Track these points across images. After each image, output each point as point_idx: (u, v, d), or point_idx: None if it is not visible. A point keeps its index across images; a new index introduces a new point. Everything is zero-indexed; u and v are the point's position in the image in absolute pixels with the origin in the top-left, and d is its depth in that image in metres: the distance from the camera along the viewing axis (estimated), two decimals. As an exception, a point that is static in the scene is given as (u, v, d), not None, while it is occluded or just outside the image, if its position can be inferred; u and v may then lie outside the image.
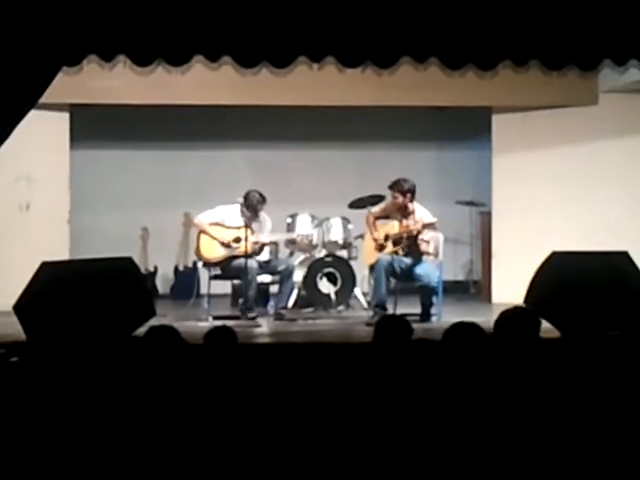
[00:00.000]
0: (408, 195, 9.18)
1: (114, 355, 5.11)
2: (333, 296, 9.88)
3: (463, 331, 4.81)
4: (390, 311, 9.14)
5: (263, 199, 9.46)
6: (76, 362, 5.08)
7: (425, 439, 4.19)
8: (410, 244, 9.14)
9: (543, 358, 4.85)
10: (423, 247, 9.15)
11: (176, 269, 12.02)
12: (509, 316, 4.87)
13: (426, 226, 9.06)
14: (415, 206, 9.25)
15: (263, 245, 9.45)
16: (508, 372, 4.57)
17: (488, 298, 11.24)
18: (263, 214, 9.59)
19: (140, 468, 4.06)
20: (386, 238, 9.37)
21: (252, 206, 9.42)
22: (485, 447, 4.15)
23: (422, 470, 4.08)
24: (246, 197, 9.45)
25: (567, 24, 7.60)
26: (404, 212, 9.24)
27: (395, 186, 9.24)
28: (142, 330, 6.49)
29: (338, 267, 9.97)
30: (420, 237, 9.09)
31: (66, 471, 4.03)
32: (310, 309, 10.13)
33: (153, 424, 4.24)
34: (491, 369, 4.60)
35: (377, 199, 10.01)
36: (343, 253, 10.39)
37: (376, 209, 9.74)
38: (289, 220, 10.28)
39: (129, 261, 7.65)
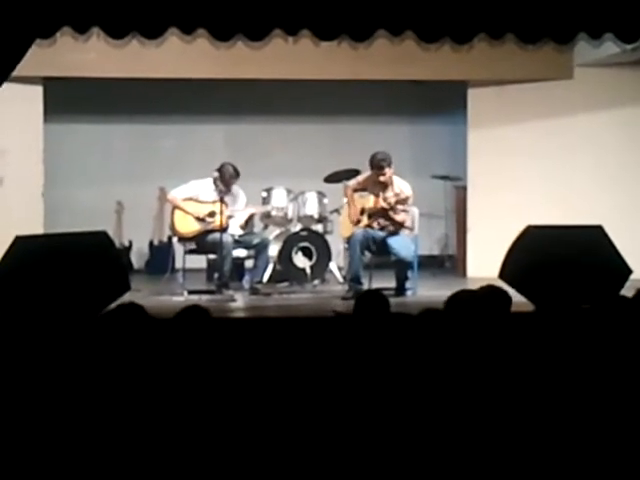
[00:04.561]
0: (392, 166, 9.15)
1: (84, 330, 5.08)
2: (308, 270, 9.88)
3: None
4: (365, 285, 9.15)
5: (237, 173, 9.44)
6: (47, 337, 5.05)
7: (401, 413, 4.20)
8: (385, 217, 9.13)
9: (517, 331, 4.87)
10: (400, 217, 9.13)
11: (151, 244, 12.00)
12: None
13: (399, 201, 9.06)
14: (393, 178, 9.23)
15: (229, 218, 9.40)
16: (480, 345, 4.59)
17: (463, 272, 11.27)
18: (236, 188, 9.57)
19: (104, 442, 4.05)
20: (362, 212, 9.37)
21: (226, 179, 9.39)
22: (460, 421, 4.17)
23: (398, 444, 4.10)
24: (220, 169, 9.41)
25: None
26: (384, 184, 9.18)
27: (385, 159, 9.11)
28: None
29: (313, 241, 9.96)
30: (400, 208, 9.07)
31: (33, 445, 4.01)
32: (285, 283, 10.11)
33: (123, 399, 4.23)
34: (467, 343, 4.62)
35: (353, 173, 9.99)
36: (318, 227, 10.37)
37: (353, 182, 9.69)
38: (264, 194, 10.24)
39: (104, 235, 7.61)
